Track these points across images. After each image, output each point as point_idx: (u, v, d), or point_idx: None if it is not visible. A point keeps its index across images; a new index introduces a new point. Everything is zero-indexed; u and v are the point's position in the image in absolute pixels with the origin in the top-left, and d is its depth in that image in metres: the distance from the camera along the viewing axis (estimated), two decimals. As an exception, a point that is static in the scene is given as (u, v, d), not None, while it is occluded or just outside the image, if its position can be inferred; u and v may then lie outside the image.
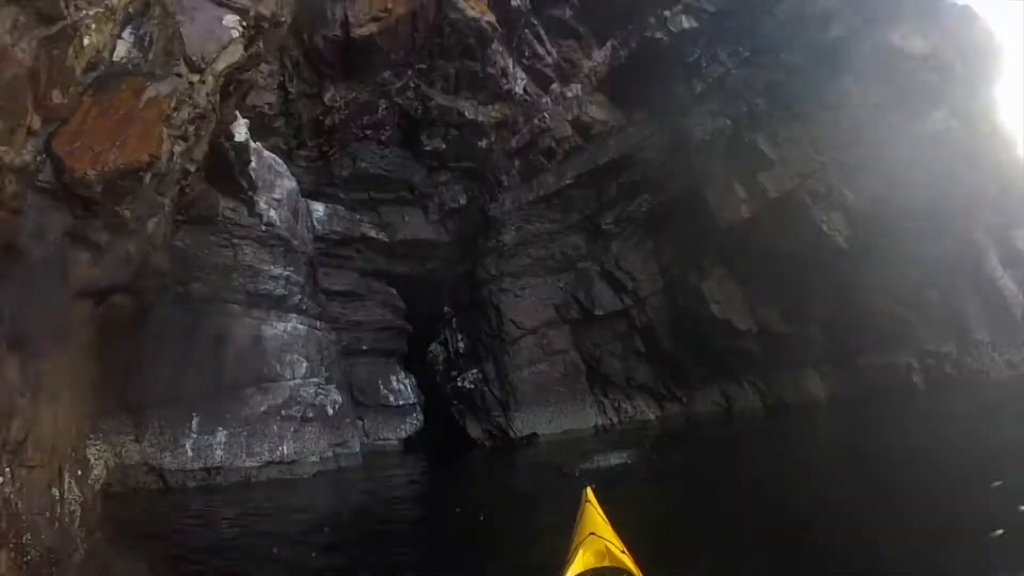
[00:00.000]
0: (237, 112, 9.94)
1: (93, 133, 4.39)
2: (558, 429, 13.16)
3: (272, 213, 11.37)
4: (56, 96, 4.02)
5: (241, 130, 10.16)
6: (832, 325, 11.48)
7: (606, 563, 2.78)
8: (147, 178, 4.84)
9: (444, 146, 14.47)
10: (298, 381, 11.13)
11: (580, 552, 2.89)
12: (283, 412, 10.56)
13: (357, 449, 12.27)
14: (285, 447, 10.45)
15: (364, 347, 14.43)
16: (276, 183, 11.76)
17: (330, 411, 11.45)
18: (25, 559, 3.77)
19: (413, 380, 15.40)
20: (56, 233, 4.37)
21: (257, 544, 5.92)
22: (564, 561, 2.90)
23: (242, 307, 10.77)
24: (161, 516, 7.47)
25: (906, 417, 8.87)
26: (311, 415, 11.01)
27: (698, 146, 12.36)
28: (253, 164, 10.87)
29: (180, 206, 6.89)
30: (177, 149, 5.35)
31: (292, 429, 10.61)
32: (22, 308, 4.00)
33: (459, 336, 14.72)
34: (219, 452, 9.88)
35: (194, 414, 9.80)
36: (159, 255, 6.06)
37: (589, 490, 3.63)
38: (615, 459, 9.12)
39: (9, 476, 3.89)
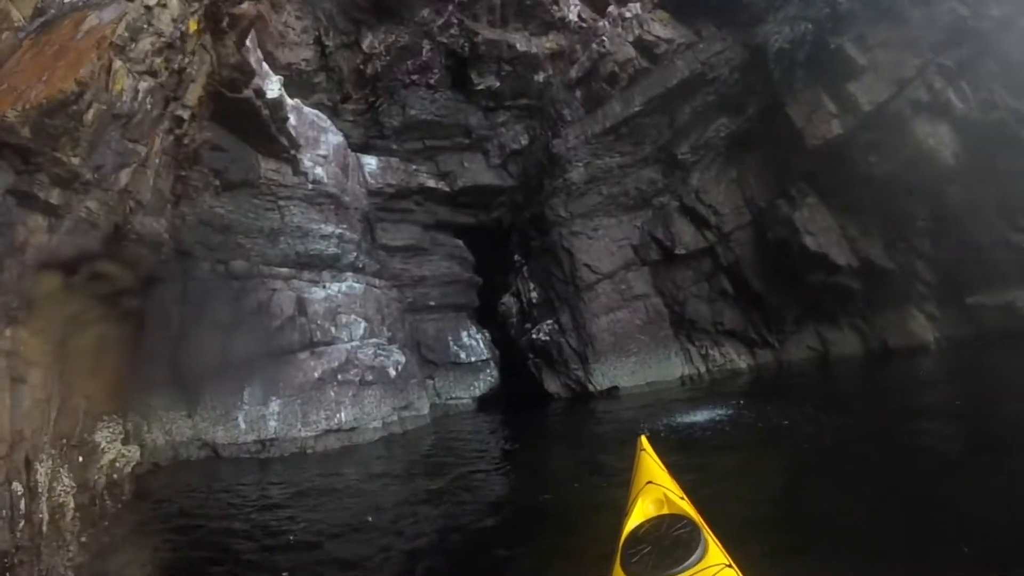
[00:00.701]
0: (267, 67, 11.93)
1: (22, 73, 4.68)
2: (641, 381, 14.80)
3: (318, 170, 13.02)
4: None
5: (273, 86, 11.62)
6: (940, 259, 12.37)
7: (665, 511, 3.20)
8: (87, 115, 4.99)
9: (498, 84, 16.11)
10: (355, 343, 12.69)
11: (639, 502, 3.37)
12: (340, 377, 12.00)
13: (425, 411, 13.94)
14: (343, 414, 11.81)
15: (431, 303, 16.25)
16: (320, 139, 13.47)
17: (392, 372, 13.04)
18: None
19: (487, 335, 17.23)
20: (-6, 192, 4.58)
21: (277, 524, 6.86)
22: (624, 512, 3.37)
23: (292, 269, 12.33)
24: (197, 493, 8.55)
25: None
26: (371, 378, 12.49)
27: (777, 57, 13.30)
28: (293, 121, 12.50)
29: (180, 159, 7.44)
30: (143, 86, 5.73)
31: (351, 394, 12.02)
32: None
33: (531, 285, 16.50)
34: (273, 423, 11.21)
35: (246, 385, 11.15)
36: (150, 216, 6.39)
37: (644, 438, 4.10)
38: (703, 415, 10.04)
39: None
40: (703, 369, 15.58)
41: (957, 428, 6.84)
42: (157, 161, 6.34)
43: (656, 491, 3.45)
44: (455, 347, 16.45)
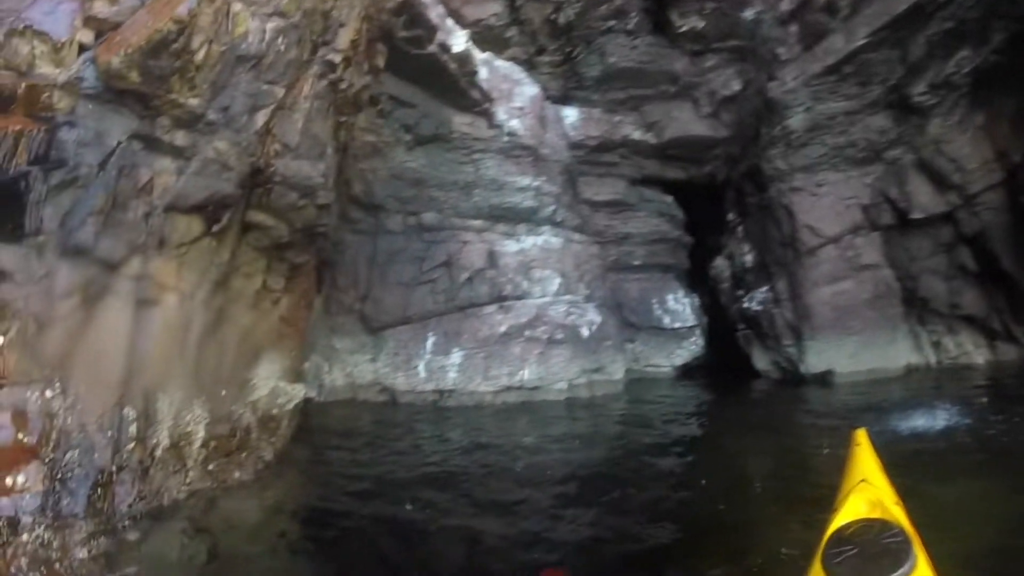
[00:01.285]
0: (453, 23, 13.03)
1: (132, 25, 5.36)
2: (860, 367, 14.86)
3: (514, 123, 14.15)
4: (100, 7, 5.32)
5: (459, 41, 12.90)
6: None
7: (877, 514, 3.27)
8: (197, 55, 5.65)
9: (702, 24, 16.01)
10: (547, 299, 13.98)
11: (850, 499, 3.49)
12: (527, 333, 13.53)
13: (619, 376, 14.87)
14: (527, 371, 13.38)
15: (636, 262, 17.18)
16: (515, 91, 14.57)
17: (585, 332, 14.21)
18: (64, 476, 4.91)
19: (695, 300, 18.02)
20: (118, 137, 5.41)
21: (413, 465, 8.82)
22: (832, 508, 3.52)
23: (485, 222, 13.90)
24: (363, 435, 10.80)
25: None
26: (560, 336, 13.77)
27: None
28: (484, 75, 13.72)
29: (340, 104, 8.57)
30: (271, 26, 6.50)
31: (537, 352, 13.53)
32: (83, 217, 5.17)
33: (745, 248, 16.84)
34: (452, 374, 13.23)
35: (430, 334, 13.30)
36: (301, 160, 7.57)
37: (862, 431, 4.28)
38: (938, 419, 9.69)
39: (59, 390, 5.01)
40: (932, 359, 15.60)
41: None
42: (307, 105, 7.41)
43: (870, 491, 3.57)
44: (659, 311, 17.42)
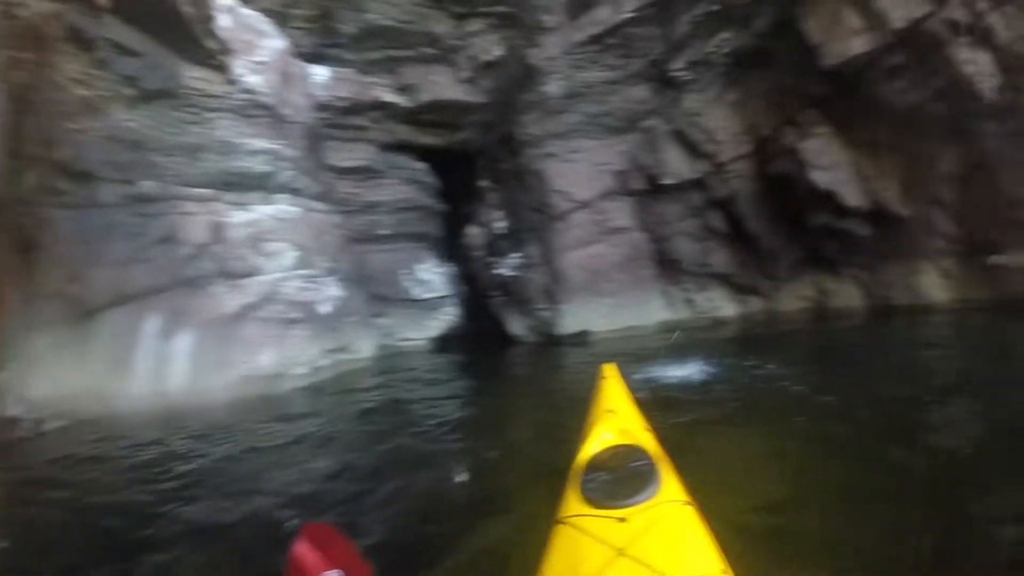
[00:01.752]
0: None
1: None
2: (616, 325, 15.36)
3: (253, 78, 12.64)
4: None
5: None
6: (964, 209, 12.41)
7: (626, 440, 3.49)
8: None
9: None
10: (281, 275, 12.41)
11: (597, 429, 3.69)
12: (260, 313, 11.76)
13: (367, 352, 14.27)
14: (264, 356, 11.51)
15: (384, 232, 16.67)
16: (258, 44, 13.08)
17: (324, 309, 12.94)
18: None
19: (448, 269, 17.93)
20: None
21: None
22: (582, 438, 3.65)
23: (211, 190, 12.00)
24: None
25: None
26: (298, 315, 12.29)
27: (793, -41, 13.10)
28: (227, 23, 12.21)
29: (14, 34, 7.56)
30: None
31: (274, 334, 11.78)
32: None
33: (498, 214, 16.96)
34: (179, 368, 10.70)
35: (147, 323, 10.64)
36: None
37: (609, 365, 4.50)
38: (687, 369, 9.69)
39: None
40: (686, 315, 16.30)
41: (972, 407, 6.74)
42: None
43: (618, 420, 3.81)
44: (409, 282, 17.04)
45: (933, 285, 13.23)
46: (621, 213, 16.36)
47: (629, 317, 15.78)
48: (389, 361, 14.66)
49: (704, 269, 16.39)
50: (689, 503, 2.92)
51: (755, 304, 16.25)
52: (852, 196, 13.83)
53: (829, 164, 13.97)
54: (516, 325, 16.56)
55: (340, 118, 15.81)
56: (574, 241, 15.86)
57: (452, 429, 8.15)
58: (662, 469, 3.10)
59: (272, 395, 10.99)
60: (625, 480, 3.01)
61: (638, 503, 2.83)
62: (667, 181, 16.04)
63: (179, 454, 7.39)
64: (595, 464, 3.24)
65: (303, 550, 2.54)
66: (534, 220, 16.25)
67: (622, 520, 2.73)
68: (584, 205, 16.03)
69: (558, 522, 2.95)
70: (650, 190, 16.42)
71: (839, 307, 14.82)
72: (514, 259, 16.49)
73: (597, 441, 3.56)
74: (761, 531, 3.84)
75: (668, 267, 16.51)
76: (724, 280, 16.47)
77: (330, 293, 13.43)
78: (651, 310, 16.14)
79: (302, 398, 11.14)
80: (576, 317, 15.55)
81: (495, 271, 16.79)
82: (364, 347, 14.39)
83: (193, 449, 7.59)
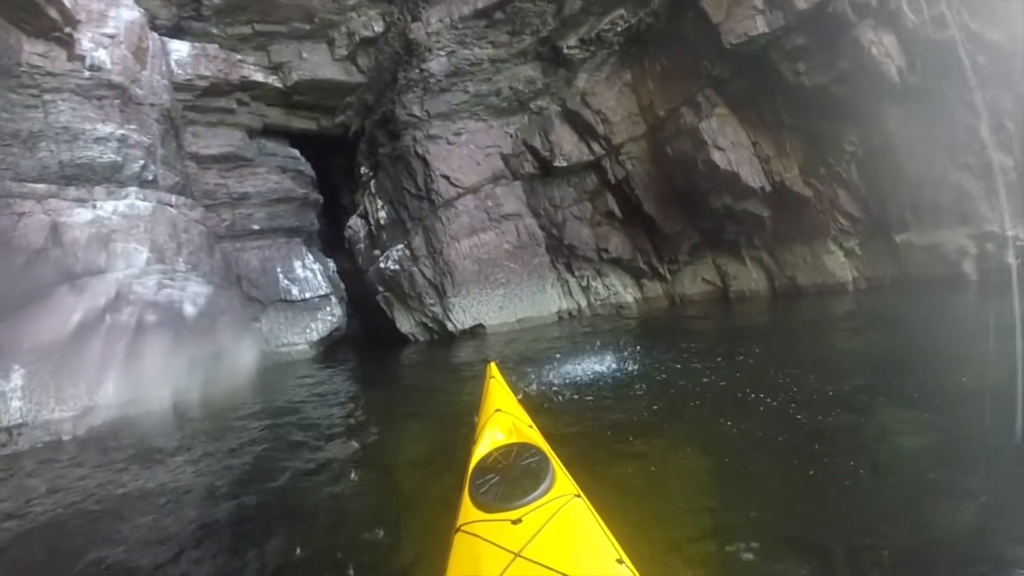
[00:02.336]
0: None
1: None
2: (511, 318, 14.59)
3: (100, 54, 11.48)
4: None
5: None
6: (867, 189, 12.38)
7: (514, 439, 3.65)
8: None
9: None
10: (132, 277, 11.05)
11: (487, 430, 3.80)
12: (108, 319, 10.40)
13: (247, 360, 12.76)
14: (112, 379, 10.09)
15: (255, 226, 15.19)
16: (109, 15, 11.81)
17: (190, 310, 11.48)
18: None
19: (331, 265, 16.51)
20: None
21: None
22: (472, 441, 3.74)
23: (51, 185, 10.81)
24: None
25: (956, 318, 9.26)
26: (154, 319, 10.87)
27: (692, -65, 12.51)
28: None
29: None
30: None
31: (123, 344, 10.38)
32: None
33: (379, 203, 15.71)
34: (15, 402, 9.34)
35: None
36: None
37: (493, 365, 4.60)
38: (589, 363, 9.27)
39: None
40: (584, 303, 15.52)
41: (875, 380, 6.48)
42: None
43: (505, 419, 3.90)
44: (285, 280, 15.59)
45: (838, 265, 13.12)
46: (511, 198, 15.36)
47: (524, 308, 14.92)
48: (269, 374, 13.16)
49: (601, 255, 15.59)
50: (579, 495, 3.00)
51: (656, 289, 15.70)
52: (753, 177, 13.39)
53: (728, 145, 13.40)
54: (405, 323, 15.47)
55: (203, 100, 14.33)
56: (462, 229, 14.79)
57: (336, 471, 6.49)
58: (553, 464, 3.19)
59: (130, 424, 9.53)
60: (517, 479, 3.09)
61: (531, 502, 2.92)
62: (559, 164, 15.10)
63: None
64: (487, 466, 3.30)
65: None
66: (418, 208, 15.13)
67: (516, 522, 2.79)
68: (471, 190, 14.99)
69: (456, 531, 2.97)
70: (541, 173, 15.48)
71: (743, 290, 14.56)
72: (397, 251, 15.28)
73: (487, 442, 3.69)
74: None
75: (563, 253, 15.63)
76: (623, 265, 15.74)
77: (193, 290, 11.87)
78: (547, 299, 15.24)
79: (166, 427, 9.41)
80: (468, 311, 14.57)
81: (379, 265, 15.53)
82: (242, 355, 12.84)
83: (8, 512, 6.13)
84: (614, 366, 8.96)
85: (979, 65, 10.33)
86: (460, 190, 14.86)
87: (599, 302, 15.62)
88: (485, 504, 3.01)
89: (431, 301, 14.86)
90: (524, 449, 3.37)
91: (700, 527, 3.79)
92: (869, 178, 12.29)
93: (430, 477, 5.39)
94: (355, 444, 7.10)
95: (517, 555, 2.57)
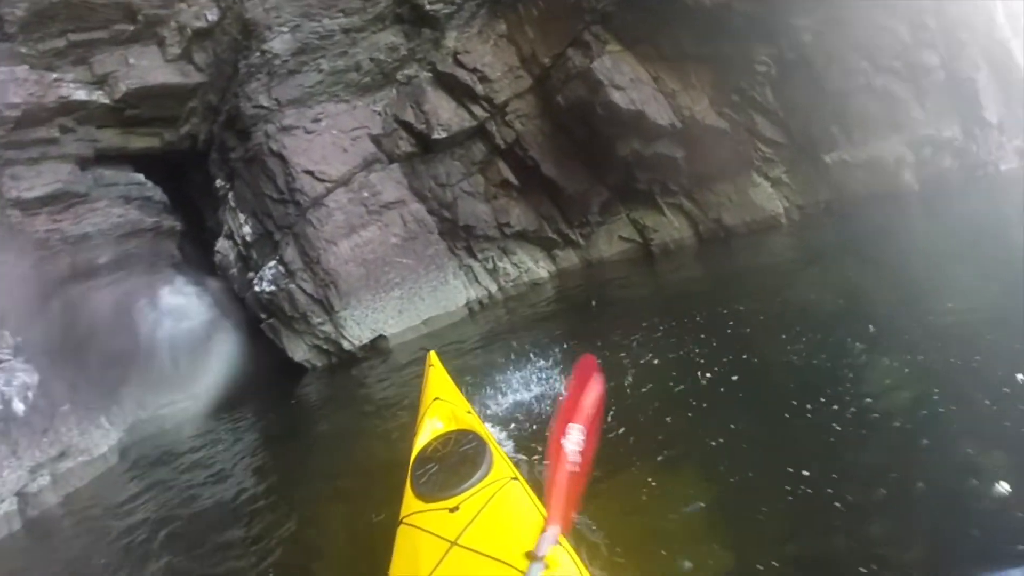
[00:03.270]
0: None
1: None
2: (414, 320, 12.61)
3: None
4: None
5: None
6: (786, 111, 11.73)
7: (452, 427, 3.67)
8: None
9: None
10: None
11: (427, 419, 3.85)
12: None
13: (104, 448, 10.19)
14: None
15: (101, 265, 12.26)
16: None
17: (19, 406, 8.91)
18: None
19: (212, 284, 13.96)
20: None
21: None
22: (413, 431, 3.80)
23: None
24: None
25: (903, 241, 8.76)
26: None
27: None
28: None
29: None
30: None
31: None
32: None
33: (241, 217, 13.31)
34: None
35: None
36: None
37: (433, 353, 4.64)
38: (517, 371, 7.44)
39: None
40: (494, 288, 13.73)
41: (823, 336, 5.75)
42: None
43: (444, 407, 3.96)
44: (152, 315, 12.75)
45: (767, 198, 12.35)
46: (390, 184, 13.19)
47: (428, 307, 12.87)
48: (143, 455, 10.42)
49: (503, 231, 13.83)
50: (516, 478, 3.04)
51: (570, 258, 14.26)
52: (661, 114, 12.13)
53: (628, 83, 12.05)
54: (297, 350, 13.04)
55: (17, 133, 11.48)
56: (338, 230, 12.56)
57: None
58: (491, 449, 3.26)
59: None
60: (455, 467, 3.16)
61: (468, 488, 2.96)
62: (439, 135, 13.05)
63: None
64: (426, 456, 3.38)
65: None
66: (284, 215, 12.75)
67: (454, 510, 2.83)
68: (341, 183, 12.73)
69: (400, 523, 3.02)
70: (421, 151, 13.43)
71: (666, 242, 13.38)
72: (271, 269, 12.90)
73: (427, 432, 3.75)
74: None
75: (461, 237, 13.73)
76: (529, 238, 14.08)
77: (21, 381, 9.15)
78: (452, 292, 13.19)
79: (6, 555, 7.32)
80: (363, 323, 12.41)
81: (255, 290, 13.07)
82: (100, 441, 10.29)
83: None
84: (551, 363, 7.38)
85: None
86: (328, 184, 12.58)
87: (511, 284, 13.90)
88: (425, 494, 3.02)
89: (319, 320, 12.59)
90: (462, 436, 3.44)
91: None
92: (787, 98, 11.55)
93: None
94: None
95: (453, 543, 2.54)
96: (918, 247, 8.02)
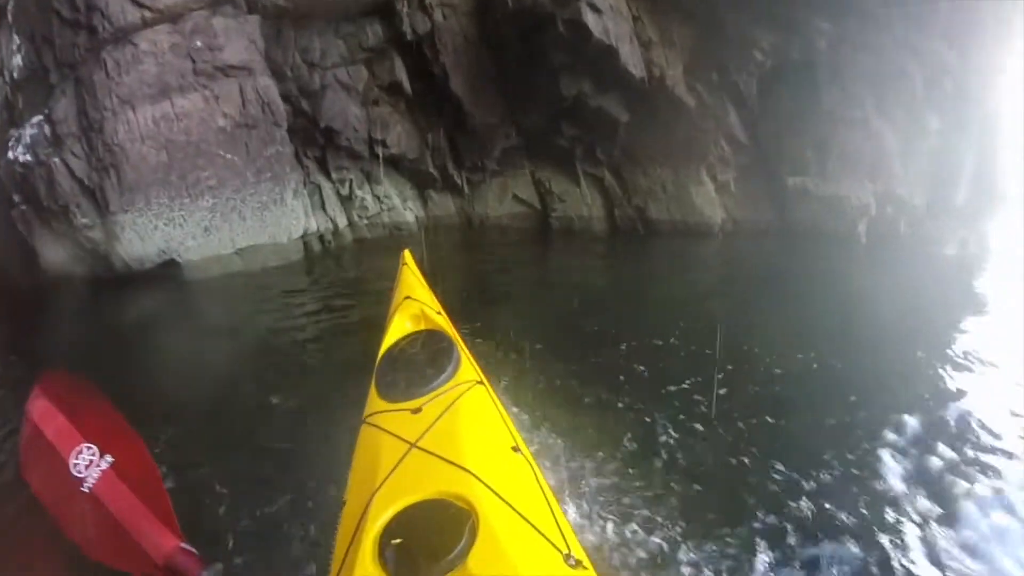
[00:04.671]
0: None
1: None
2: (225, 248, 8.61)
3: None
4: None
5: None
6: (765, 113, 9.92)
7: (421, 326, 3.54)
8: None
9: None
10: None
11: (395, 317, 3.64)
12: None
13: None
14: None
15: None
16: None
17: None
18: None
19: None
20: None
21: None
22: (383, 328, 3.58)
23: None
24: None
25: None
26: None
27: None
28: None
29: None
30: None
31: None
32: None
33: (16, 41, 8.38)
34: None
35: None
36: None
37: (407, 252, 4.37)
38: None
39: None
40: (342, 222, 10.17)
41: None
42: None
43: (413, 306, 3.71)
44: None
45: (707, 201, 10.24)
46: (239, 40, 8.60)
47: (249, 231, 8.82)
48: None
49: (375, 148, 10.03)
50: (481, 382, 2.89)
51: (446, 205, 11.07)
52: (634, 61, 9.14)
53: (608, 8, 8.89)
54: (52, 251, 8.55)
55: None
56: (142, 87, 8.02)
57: None
58: (458, 350, 3.07)
59: None
60: (420, 367, 2.96)
61: (432, 390, 2.80)
62: None
63: None
64: (393, 356, 3.19)
65: (42, 407, 2.59)
66: (70, 46, 7.98)
67: (416, 411, 2.68)
68: (168, 18, 8.12)
69: (362, 423, 2.83)
70: (294, 7, 9.05)
71: (570, 217, 10.81)
72: (34, 129, 8.13)
73: (396, 330, 3.53)
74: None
75: (315, 142, 9.80)
76: (404, 168, 10.53)
77: None
78: (286, 216, 9.10)
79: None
80: (150, 237, 8.20)
81: (9, 156, 8.35)
82: None
83: None
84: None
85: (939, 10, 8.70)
86: (148, 13, 7.94)
87: (365, 220, 10.38)
88: (389, 395, 2.85)
89: (84, 220, 8.15)
90: (430, 336, 3.28)
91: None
92: (773, 100, 9.63)
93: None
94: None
95: (413, 445, 2.39)
96: (853, 299, 7.32)
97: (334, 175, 9.95)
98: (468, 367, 3.00)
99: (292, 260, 9.03)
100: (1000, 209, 10.24)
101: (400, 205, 10.39)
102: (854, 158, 9.45)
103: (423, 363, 2.98)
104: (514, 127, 10.36)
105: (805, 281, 8.00)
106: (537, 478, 2.33)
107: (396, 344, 3.29)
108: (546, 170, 10.71)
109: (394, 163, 10.25)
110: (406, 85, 9.86)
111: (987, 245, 10.15)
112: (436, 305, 3.80)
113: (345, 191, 10.01)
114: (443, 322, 3.56)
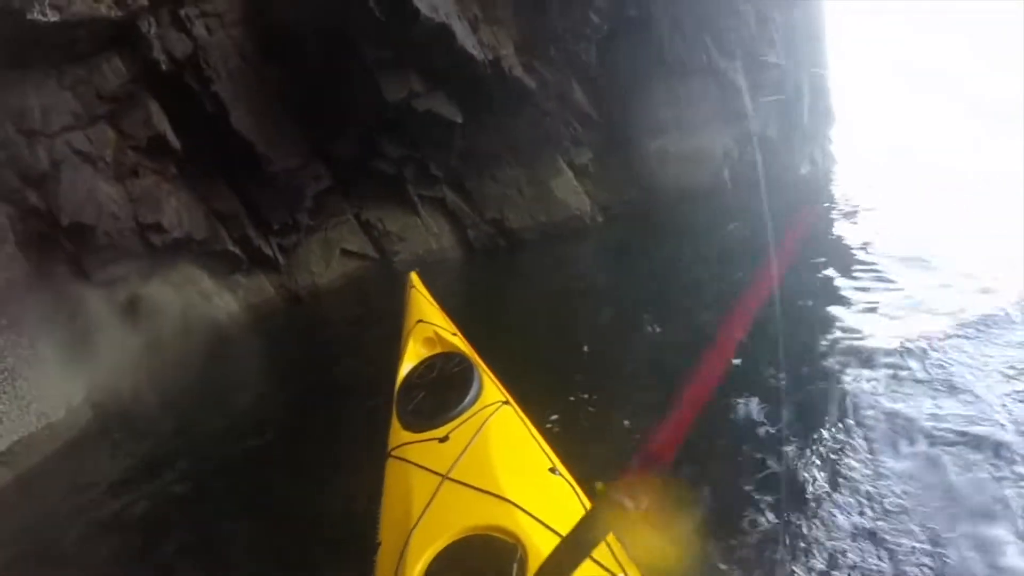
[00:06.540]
0: None
1: None
2: None
3: None
4: None
5: None
6: (611, 82, 9.07)
7: (437, 349, 3.31)
8: None
9: None
10: None
11: (409, 344, 3.40)
12: None
13: None
14: None
15: None
16: None
17: None
18: None
19: None
20: None
21: None
22: (397, 355, 3.33)
23: None
24: None
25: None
26: None
27: None
28: None
29: None
30: None
31: None
32: None
33: None
34: None
35: None
36: None
37: (414, 275, 4.02)
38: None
39: None
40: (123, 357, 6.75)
41: None
42: None
43: (427, 330, 3.48)
44: None
45: (570, 191, 9.19)
46: None
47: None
48: None
49: (148, 238, 7.12)
50: (508, 402, 2.75)
51: (263, 287, 8.34)
52: (470, 42, 7.62)
53: None
54: None
55: None
56: None
57: None
58: (479, 371, 2.90)
59: None
60: (442, 392, 2.81)
61: (457, 415, 2.65)
62: (40, 17, 5.76)
63: None
64: (412, 382, 3.02)
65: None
66: None
67: (444, 440, 2.54)
68: None
69: (388, 456, 2.68)
70: (6, 52, 5.81)
71: (418, 254, 8.92)
72: None
73: (412, 356, 3.34)
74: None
75: (64, 248, 6.76)
76: (194, 253, 7.63)
77: None
78: (49, 383, 5.75)
79: None
80: None
81: None
82: None
83: None
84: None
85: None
86: None
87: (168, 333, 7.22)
88: (412, 424, 2.69)
89: None
90: (448, 359, 3.05)
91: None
92: (617, 65, 8.81)
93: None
94: None
95: (445, 477, 2.26)
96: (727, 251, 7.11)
97: (103, 291, 6.80)
98: (492, 387, 2.80)
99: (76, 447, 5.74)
100: (834, 127, 11.00)
101: (202, 303, 7.48)
102: (707, 106, 9.04)
103: (444, 388, 2.77)
104: (323, 163, 8.04)
105: (675, 250, 7.89)
106: (581, 499, 2.16)
107: (413, 370, 3.06)
108: (373, 208, 8.71)
109: (179, 250, 7.31)
110: (171, 138, 6.86)
111: (833, 157, 10.92)
112: (451, 326, 3.53)
113: (124, 303, 6.91)
114: (460, 343, 3.30)
